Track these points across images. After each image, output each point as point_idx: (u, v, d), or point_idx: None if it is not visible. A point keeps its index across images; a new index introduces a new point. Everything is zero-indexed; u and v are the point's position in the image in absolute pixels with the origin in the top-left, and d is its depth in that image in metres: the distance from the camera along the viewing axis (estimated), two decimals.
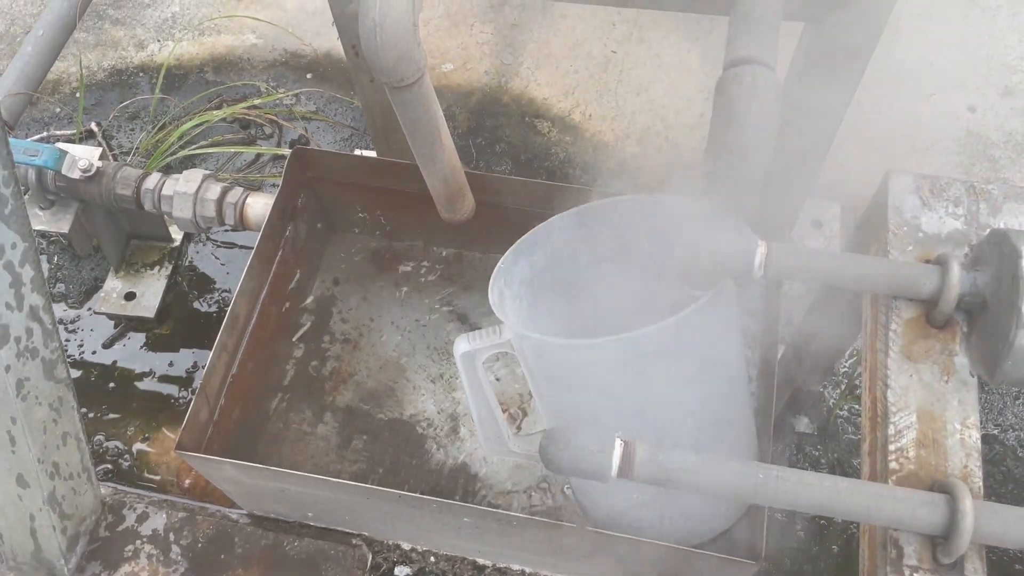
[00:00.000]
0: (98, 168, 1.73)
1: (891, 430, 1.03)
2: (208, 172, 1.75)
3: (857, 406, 1.77)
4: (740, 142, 1.01)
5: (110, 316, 1.94)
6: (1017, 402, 1.77)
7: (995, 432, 1.74)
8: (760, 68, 1.05)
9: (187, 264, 2.01)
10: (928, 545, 0.97)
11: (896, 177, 1.20)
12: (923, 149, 2.09)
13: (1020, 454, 1.72)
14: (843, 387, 1.78)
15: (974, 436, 1.03)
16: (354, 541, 1.63)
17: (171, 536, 1.61)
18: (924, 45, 2.24)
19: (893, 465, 1.02)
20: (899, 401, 1.05)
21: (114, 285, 1.95)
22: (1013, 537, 0.94)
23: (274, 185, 2.09)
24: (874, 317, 1.12)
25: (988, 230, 1.12)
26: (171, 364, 1.89)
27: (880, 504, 0.95)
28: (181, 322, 1.94)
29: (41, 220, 1.78)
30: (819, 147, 1.47)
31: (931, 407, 1.04)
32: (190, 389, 1.85)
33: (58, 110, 2.28)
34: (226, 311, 1.55)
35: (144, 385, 1.87)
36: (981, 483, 1.00)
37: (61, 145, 1.73)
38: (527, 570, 1.60)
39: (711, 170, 1.07)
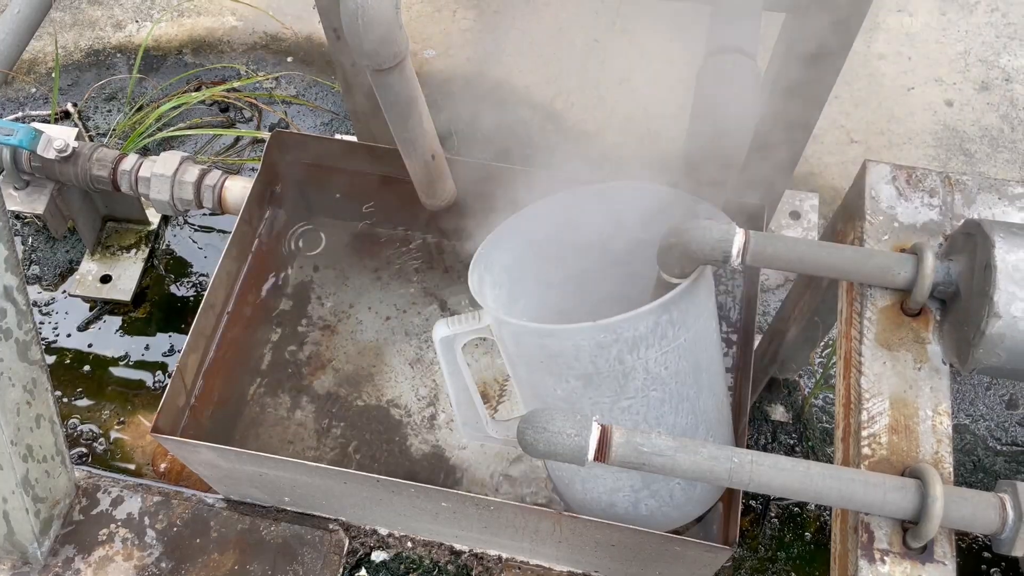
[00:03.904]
0: (74, 148, 1.71)
1: (864, 416, 1.05)
2: (186, 154, 1.73)
3: (832, 395, 1.79)
4: (720, 129, 1.02)
5: (85, 299, 1.92)
6: (988, 392, 1.80)
7: (966, 422, 1.77)
8: (740, 57, 1.06)
9: (164, 247, 2.00)
10: (899, 529, 0.99)
11: (873, 167, 1.21)
12: (900, 143, 2.11)
13: (990, 444, 1.75)
14: (818, 376, 1.80)
15: (945, 423, 1.04)
16: (331, 526, 1.62)
17: (146, 520, 1.60)
18: (903, 40, 2.26)
19: (866, 451, 1.03)
20: (872, 388, 1.06)
21: (90, 268, 1.93)
22: (982, 522, 0.96)
23: (253, 169, 2.08)
24: (849, 305, 1.13)
25: (962, 220, 1.14)
26: (147, 348, 1.87)
27: (852, 488, 0.96)
28: (158, 306, 1.93)
29: (15, 200, 1.76)
30: (799, 136, 1.48)
31: (904, 394, 1.06)
32: (166, 373, 1.84)
33: (34, 90, 2.25)
34: (203, 295, 1.54)
35: (119, 369, 1.85)
36: (951, 469, 1.02)
37: (37, 125, 1.71)
38: (504, 555, 1.61)
39: (691, 157, 1.08)
